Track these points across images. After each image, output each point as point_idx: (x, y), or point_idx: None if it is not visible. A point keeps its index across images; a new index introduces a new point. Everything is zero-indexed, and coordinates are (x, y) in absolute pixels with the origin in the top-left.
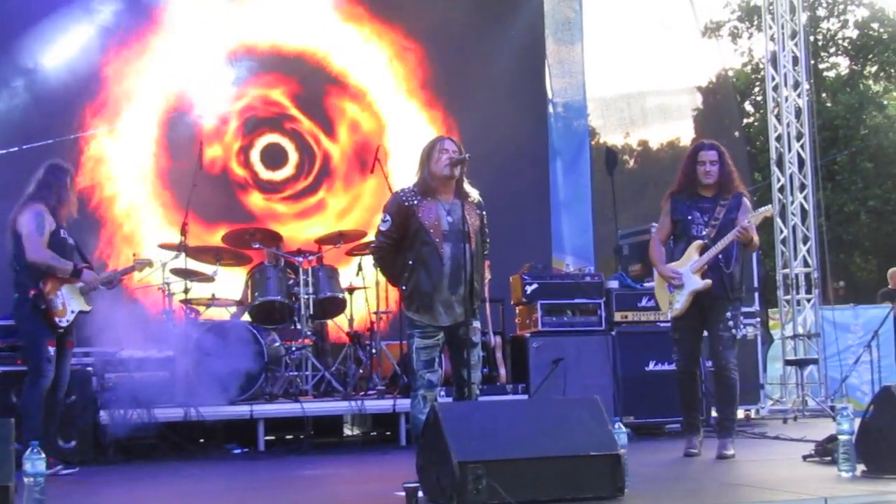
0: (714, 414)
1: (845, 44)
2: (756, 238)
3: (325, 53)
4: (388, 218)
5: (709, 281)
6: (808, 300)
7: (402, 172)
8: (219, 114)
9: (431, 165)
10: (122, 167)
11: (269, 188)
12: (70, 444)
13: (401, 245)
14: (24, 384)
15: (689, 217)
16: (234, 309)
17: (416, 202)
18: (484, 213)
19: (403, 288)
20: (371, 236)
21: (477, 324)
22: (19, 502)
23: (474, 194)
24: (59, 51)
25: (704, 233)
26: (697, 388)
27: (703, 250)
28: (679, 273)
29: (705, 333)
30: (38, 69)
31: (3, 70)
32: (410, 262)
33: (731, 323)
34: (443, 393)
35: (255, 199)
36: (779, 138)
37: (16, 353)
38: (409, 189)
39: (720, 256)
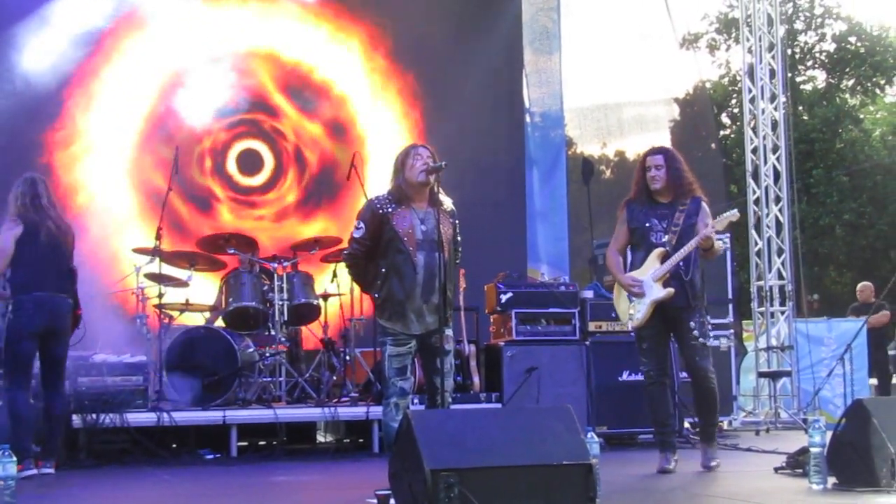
0: (686, 425)
1: (822, 57)
2: (718, 245)
3: (300, 61)
4: (361, 225)
5: (671, 290)
6: (782, 312)
7: (379, 181)
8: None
9: (406, 172)
10: (98, 170)
11: (244, 201)
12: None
13: (374, 252)
14: (62, 391)
15: (647, 224)
16: (207, 314)
17: (390, 210)
18: (457, 221)
19: (376, 295)
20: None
21: (449, 332)
22: None
23: (448, 203)
24: (38, 52)
25: (665, 239)
26: (668, 399)
27: (664, 258)
28: (640, 281)
29: (674, 342)
30: (17, 69)
31: None
32: (383, 270)
33: (696, 332)
34: (416, 401)
35: (226, 217)
36: (755, 151)
37: None
38: (384, 196)
39: (680, 264)
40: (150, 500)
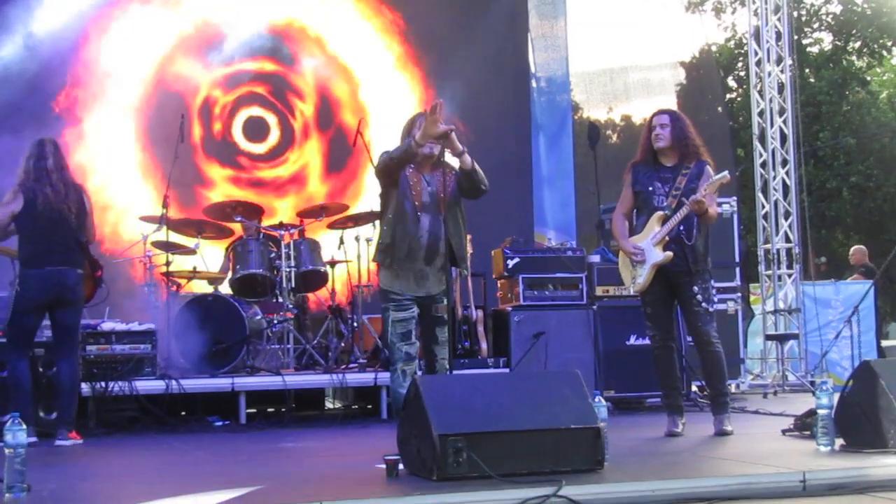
0: (694, 389)
1: (829, 19)
2: (713, 210)
3: (306, 24)
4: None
5: (669, 253)
6: (789, 275)
7: (384, 145)
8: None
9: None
10: (105, 139)
11: (252, 157)
12: (51, 415)
13: (389, 193)
14: (75, 360)
15: (651, 188)
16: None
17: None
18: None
19: (380, 242)
20: (353, 210)
21: (444, 302)
22: (0, 473)
23: (455, 164)
24: (42, 20)
25: (665, 203)
26: (675, 363)
27: (664, 222)
28: (640, 249)
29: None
30: (21, 39)
31: None
32: (390, 216)
33: (699, 297)
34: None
35: (243, 160)
36: (761, 114)
37: None
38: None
39: (682, 228)
40: (159, 467)
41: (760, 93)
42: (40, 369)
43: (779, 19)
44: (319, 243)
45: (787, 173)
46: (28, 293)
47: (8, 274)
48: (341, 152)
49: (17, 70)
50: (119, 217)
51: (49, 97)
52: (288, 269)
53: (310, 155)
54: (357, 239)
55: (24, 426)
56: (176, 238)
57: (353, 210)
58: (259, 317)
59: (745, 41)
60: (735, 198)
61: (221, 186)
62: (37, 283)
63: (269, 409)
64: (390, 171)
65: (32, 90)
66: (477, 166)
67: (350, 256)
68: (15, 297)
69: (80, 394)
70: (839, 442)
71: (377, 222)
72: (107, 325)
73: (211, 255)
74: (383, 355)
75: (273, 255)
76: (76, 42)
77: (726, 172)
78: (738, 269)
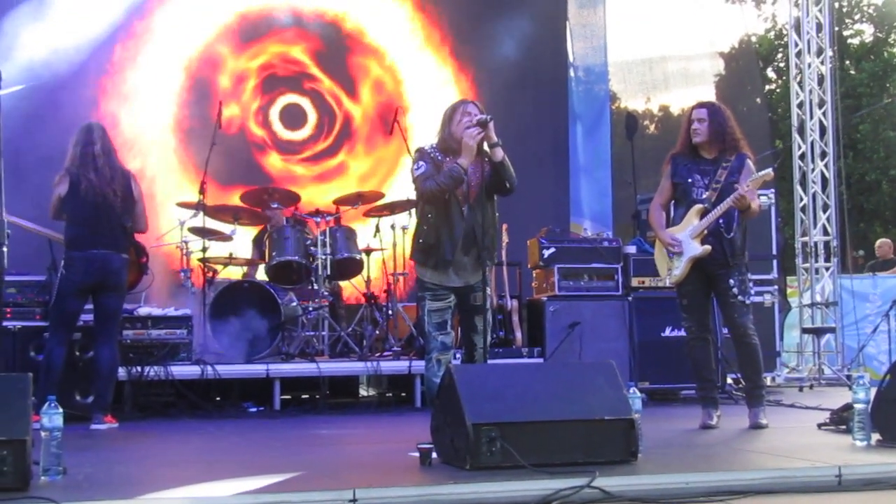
0: (729, 381)
1: (870, 11)
2: (755, 204)
3: (343, 12)
4: (422, 163)
5: (707, 247)
6: (827, 268)
7: (422, 133)
8: (236, 72)
9: (452, 128)
10: (141, 126)
11: (287, 149)
12: (88, 399)
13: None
14: (115, 345)
15: (690, 180)
16: (246, 269)
17: (440, 157)
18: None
19: (420, 241)
20: (389, 199)
21: (488, 290)
22: (36, 456)
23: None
24: (84, 6)
25: (705, 196)
26: (710, 355)
27: (703, 215)
28: (678, 240)
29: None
30: (57, 25)
31: (18, 27)
32: (430, 216)
33: (735, 290)
34: (458, 356)
35: (274, 160)
36: (800, 105)
37: (37, 308)
38: (432, 146)
39: (721, 221)
40: (194, 452)
41: (800, 84)
42: (77, 353)
43: (820, 10)
44: (355, 231)
45: (825, 165)
46: (73, 275)
47: (46, 258)
48: (375, 138)
49: (57, 56)
50: (156, 203)
51: (90, 82)
52: (323, 257)
53: (342, 139)
54: (393, 227)
55: (60, 410)
56: (212, 224)
57: (389, 198)
58: (294, 303)
59: (785, 32)
60: (773, 190)
61: (270, 158)
62: (81, 265)
63: (304, 396)
64: (443, 197)
65: (73, 76)
66: (507, 162)
67: (386, 245)
68: (59, 280)
69: (116, 378)
70: (875, 437)
71: (413, 211)
72: (143, 311)
73: (248, 241)
74: (418, 343)
75: (309, 241)
76: (118, 26)
77: (770, 170)
78: (775, 262)
